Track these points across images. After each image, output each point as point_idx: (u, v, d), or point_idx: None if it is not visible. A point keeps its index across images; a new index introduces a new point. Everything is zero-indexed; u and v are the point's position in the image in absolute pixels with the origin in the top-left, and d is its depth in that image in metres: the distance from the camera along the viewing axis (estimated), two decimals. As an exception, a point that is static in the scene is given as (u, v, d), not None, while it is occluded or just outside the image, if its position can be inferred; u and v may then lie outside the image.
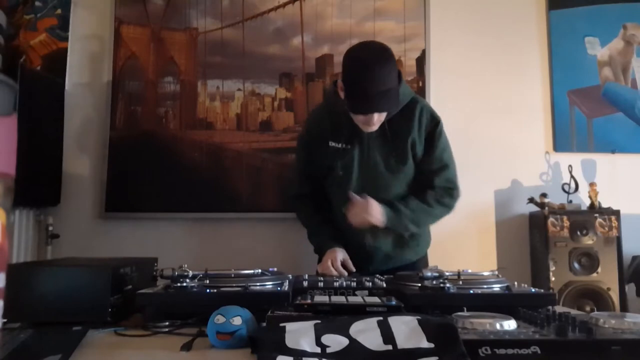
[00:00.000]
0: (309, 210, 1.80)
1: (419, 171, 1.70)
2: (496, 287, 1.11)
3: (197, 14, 2.68)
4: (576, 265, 2.40)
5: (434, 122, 1.69)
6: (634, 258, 2.53)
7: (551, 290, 2.25)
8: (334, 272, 1.58)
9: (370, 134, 1.64)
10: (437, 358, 0.68)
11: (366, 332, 0.74)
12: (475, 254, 2.67)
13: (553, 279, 2.39)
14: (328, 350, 0.71)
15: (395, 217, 1.62)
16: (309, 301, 0.91)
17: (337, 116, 1.66)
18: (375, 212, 1.58)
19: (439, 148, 1.69)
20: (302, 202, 1.82)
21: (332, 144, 1.68)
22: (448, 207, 1.71)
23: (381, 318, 0.78)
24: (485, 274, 1.21)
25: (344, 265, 1.64)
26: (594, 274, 2.39)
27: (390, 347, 0.71)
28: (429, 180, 1.69)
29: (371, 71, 1.46)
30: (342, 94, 1.56)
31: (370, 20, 2.72)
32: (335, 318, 0.81)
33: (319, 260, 1.72)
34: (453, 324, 0.76)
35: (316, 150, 1.72)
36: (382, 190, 1.67)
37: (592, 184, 2.58)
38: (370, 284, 1.16)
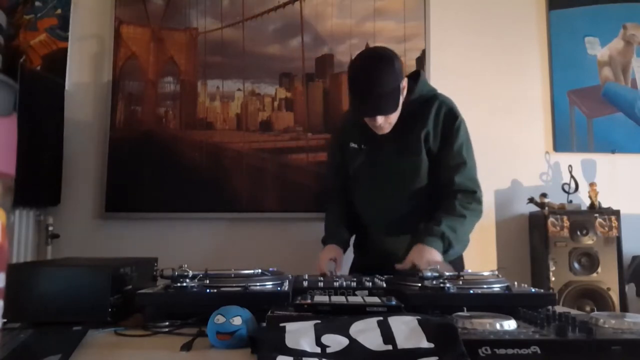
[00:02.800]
0: (331, 204, 1.85)
1: (438, 167, 1.64)
2: (496, 287, 1.11)
3: (197, 14, 2.68)
4: (576, 265, 2.40)
5: (452, 117, 1.65)
6: (634, 258, 2.53)
7: (551, 290, 2.25)
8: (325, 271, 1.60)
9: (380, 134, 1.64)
10: (437, 358, 0.68)
11: (366, 332, 0.74)
12: (475, 254, 2.66)
13: (553, 279, 2.39)
14: (328, 350, 0.71)
15: (448, 245, 1.53)
16: (309, 301, 0.91)
17: (358, 119, 1.66)
18: (432, 256, 1.47)
19: (457, 143, 1.63)
20: (329, 197, 1.89)
21: (352, 144, 1.73)
22: (478, 212, 1.64)
23: (381, 318, 0.78)
24: (485, 274, 1.21)
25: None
26: (594, 274, 2.39)
27: (390, 347, 0.71)
28: (449, 180, 1.62)
29: (367, 76, 1.49)
30: None
31: (370, 20, 2.71)
32: (335, 318, 0.81)
33: None
34: (453, 324, 0.76)
35: (342, 150, 1.78)
36: (392, 189, 1.67)
37: (592, 184, 2.58)
38: (370, 284, 1.16)
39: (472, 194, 1.62)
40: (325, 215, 1.87)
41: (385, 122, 1.57)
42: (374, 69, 1.49)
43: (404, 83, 1.57)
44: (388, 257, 1.57)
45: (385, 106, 1.52)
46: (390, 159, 1.67)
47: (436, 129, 1.64)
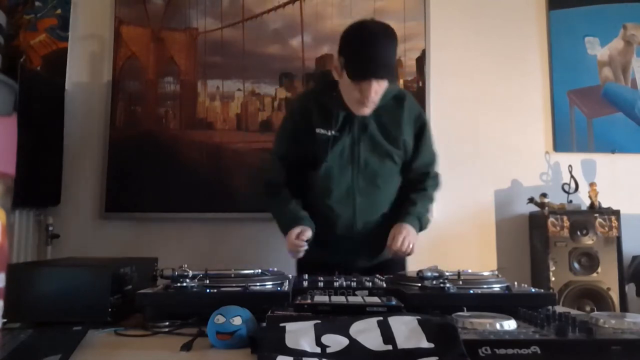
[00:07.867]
0: (281, 197, 1.69)
1: (412, 160, 1.71)
2: (496, 287, 1.11)
3: (197, 14, 2.68)
4: (576, 265, 2.40)
5: (422, 114, 1.75)
6: (634, 258, 2.53)
7: (551, 290, 2.25)
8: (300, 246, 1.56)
9: (360, 122, 1.61)
10: (437, 358, 0.68)
11: (366, 332, 0.74)
12: (475, 254, 2.66)
13: (553, 279, 2.39)
14: (328, 350, 0.71)
15: (420, 221, 1.65)
16: (309, 301, 0.91)
17: (326, 103, 1.62)
18: (411, 236, 1.58)
19: (429, 139, 1.75)
20: (276, 191, 1.70)
21: (319, 131, 1.61)
22: (438, 187, 1.79)
23: (381, 318, 0.78)
24: (485, 274, 1.21)
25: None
26: (594, 274, 2.39)
27: (390, 347, 0.71)
28: (425, 171, 1.74)
29: (377, 39, 1.51)
30: (336, 73, 1.60)
31: (370, 20, 2.71)
32: (335, 318, 0.81)
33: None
34: (453, 324, 0.76)
35: (302, 136, 1.65)
36: (373, 180, 1.64)
37: (592, 184, 2.58)
38: (370, 284, 1.16)
39: (437, 176, 1.78)
40: (275, 208, 1.72)
41: (375, 96, 1.53)
42: (385, 37, 1.53)
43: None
44: (357, 242, 1.63)
45: (389, 74, 1.55)
46: (373, 151, 1.63)
47: (410, 125, 1.68)
